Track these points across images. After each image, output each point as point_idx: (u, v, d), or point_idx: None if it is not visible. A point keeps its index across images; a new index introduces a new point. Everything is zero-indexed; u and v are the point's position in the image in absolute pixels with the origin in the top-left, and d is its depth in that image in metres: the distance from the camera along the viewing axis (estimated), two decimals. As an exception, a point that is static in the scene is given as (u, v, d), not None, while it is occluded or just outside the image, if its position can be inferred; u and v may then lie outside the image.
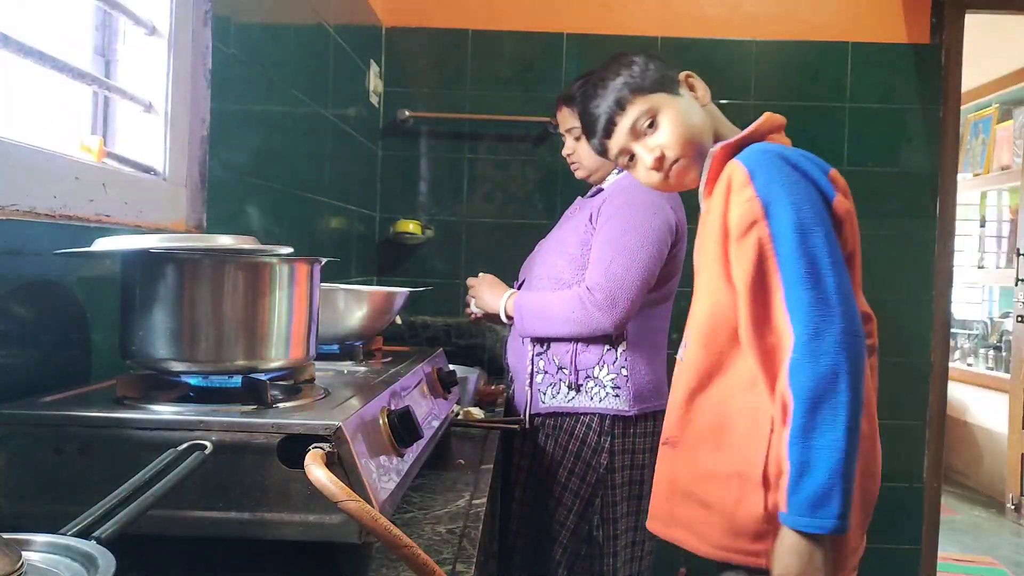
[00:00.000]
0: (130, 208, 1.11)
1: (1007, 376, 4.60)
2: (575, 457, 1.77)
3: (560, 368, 1.80)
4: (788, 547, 1.06)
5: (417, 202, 2.74)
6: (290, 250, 0.96)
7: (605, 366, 1.77)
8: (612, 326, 1.71)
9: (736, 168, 1.18)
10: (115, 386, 0.86)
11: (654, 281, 1.75)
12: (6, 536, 0.53)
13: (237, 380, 0.91)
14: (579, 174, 1.95)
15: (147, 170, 1.22)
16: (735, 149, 1.24)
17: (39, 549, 0.55)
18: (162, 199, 1.21)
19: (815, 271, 1.08)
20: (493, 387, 1.92)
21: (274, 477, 0.75)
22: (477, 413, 1.67)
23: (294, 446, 0.75)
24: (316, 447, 0.74)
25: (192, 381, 0.92)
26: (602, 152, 1.41)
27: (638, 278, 1.71)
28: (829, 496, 1.03)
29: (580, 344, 1.78)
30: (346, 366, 1.24)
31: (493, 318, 1.92)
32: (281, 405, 0.84)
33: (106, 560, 0.53)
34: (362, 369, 1.22)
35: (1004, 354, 4.86)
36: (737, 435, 1.17)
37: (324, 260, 0.98)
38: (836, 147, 2.70)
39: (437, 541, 0.93)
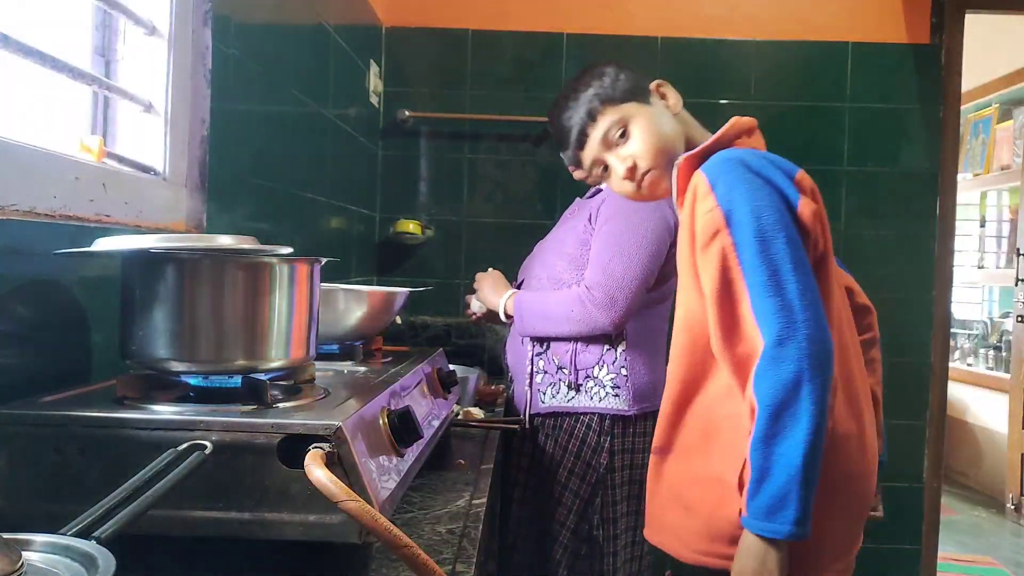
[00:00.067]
0: (130, 208, 1.11)
1: (1007, 376, 4.60)
2: (575, 457, 1.77)
3: (560, 368, 1.80)
4: (745, 549, 1.07)
5: (417, 202, 2.74)
6: (290, 250, 0.96)
7: (605, 366, 1.77)
8: (611, 325, 1.71)
9: (699, 179, 1.17)
10: (115, 386, 0.86)
11: (653, 280, 1.75)
12: (6, 536, 0.53)
13: (237, 380, 0.91)
14: (577, 175, 1.94)
15: (147, 170, 1.22)
16: (701, 158, 1.23)
17: (39, 549, 0.55)
18: (162, 199, 1.21)
19: (777, 278, 1.07)
20: (493, 387, 1.92)
21: (274, 477, 0.75)
22: (477, 413, 1.67)
23: (294, 446, 0.75)
24: (316, 447, 0.74)
25: (192, 381, 0.92)
26: (576, 164, 1.43)
27: (637, 277, 1.71)
28: (785, 502, 1.03)
29: (580, 344, 1.78)
30: (346, 366, 1.24)
31: (493, 317, 1.92)
32: (281, 405, 0.84)
33: (106, 560, 0.53)
34: (362, 369, 1.22)
35: (1004, 354, 4.86)
36: (721, 441, 1.17)
37: (324, 260, 0.98)
38: (836, 147, 2.70)
39: (437, 541, 0.93)
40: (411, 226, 2.66)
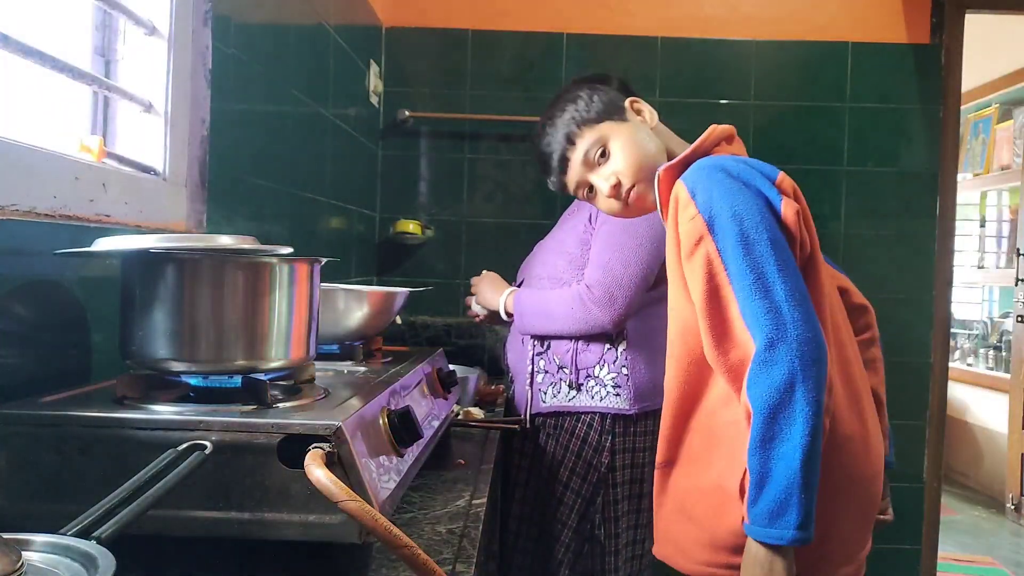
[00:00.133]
0: (130, 208, 1.11)
1: (1007, 376, 4.60)
2: (576, 456, 1.77)
3: (561, 367, 1.80)
4: (751, 557, 1.05)
5: (417, 202, 2.74)
6: (290, 250, 0.96)
7: (606, 365, 1.77)
8: (611, 323, 1.71)
9: (679, 188, 1.17)
10: (115, 386, 0.86)
11: (653, 279, 1.75)
12: (6, 536, 0.53)
13: (237, 380, 0.91)
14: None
15: (147, 170, 1.22)
16: (681, 168, 1.23)
17: (39, 549, 0.55)
18: (162, 199, 1.21)
19: (763, 281, 1.06)
20: (493, 387, 1.93)
21: (274, 477, 0.75)
22: (477, 413, 1.67)
23: (294, 446, 0.75)
24: (316, 447, 0.74)
25: (192, 381, 0.92)
26: (561, 188, 1.44)
27: (636, 275, 1.71)
28: (787, 506, 1.01)
29: (581, 343, 1.78)
30: (346, 366, 1.24)
31: (496, 318, 1.92)
32: (281, 405, 0.84)
33: (106, 560, 0.53)
34: (362, 369, 1.22)
35: (1004, 354, 4.86)
36: (722, 450, 1.16)
37: (324, 260, 0.98)
38: (836, 147, 2.70)
39: (437, 541, 0.93)
40: (411, 226, 2.66)
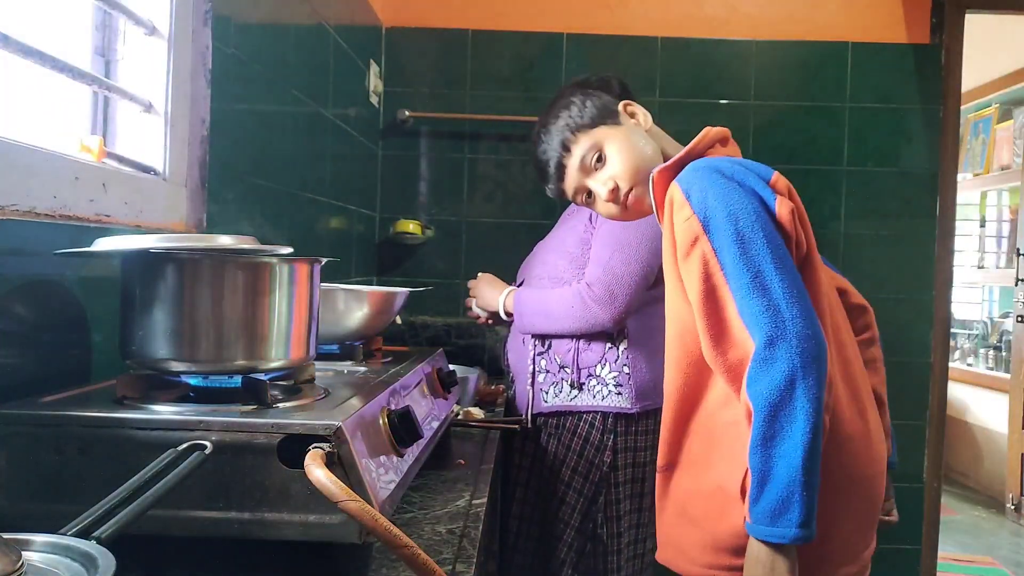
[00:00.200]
0: (130, 208, 1.11)
1: (1007, 376, 4.60)
2: (578, 455, 1.77)
3: (562, 367, 1.80)
4: (753, 556, 1.05)
5: (417, 202, 2.74)
6: (290, 250, 0.96)
7: (607, 364, 1.77)
8: (611, 321, 1.71)
9: (674, 189, 1.17)
10: (115, 386, 0.86)
11: (653, 278, 1.75)
12: (6, 536, 0.53)
13: (237, 380, 0.91)
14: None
15: (147, 170, 1.22)
16: (675, 170, 1.23)
17: (39, 549, 0.55)
18: (162, 199, 1.21)
19: (760, 279, 1.06)
20: (493, 387, 1.93)
21: (274, 477, 0.75)
22: (477, 413, 1.67)
23: (294, 446, 0.75)
24: (316, 447, 0.74)
25: (192, 381, 0.92)
26: (559, 195, 1.45)
27: (637, 273, 1.71)
28: (788, 504, 1.01)
29: (582, 342, 1.78)
30: (346, 366, 1.24)
31: (498, 319, 1.92)
32: (281, 405, 0.84)
33: (106, 560, 0.53)
34: (362, 369, 1.22)
35: (1004, 354, 4.86)
36: (723, 450, 1.16)
37: (324, 260, 0.98)
38: (836, 147, 2.70)
39: (437, 541, 0.93)
40: (411, 226, 2.66)
